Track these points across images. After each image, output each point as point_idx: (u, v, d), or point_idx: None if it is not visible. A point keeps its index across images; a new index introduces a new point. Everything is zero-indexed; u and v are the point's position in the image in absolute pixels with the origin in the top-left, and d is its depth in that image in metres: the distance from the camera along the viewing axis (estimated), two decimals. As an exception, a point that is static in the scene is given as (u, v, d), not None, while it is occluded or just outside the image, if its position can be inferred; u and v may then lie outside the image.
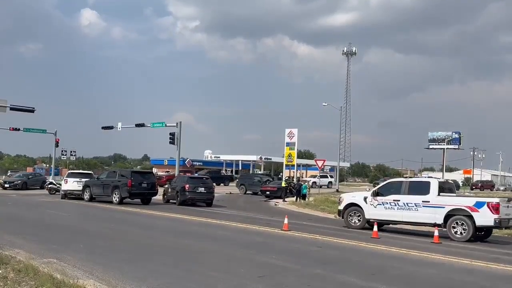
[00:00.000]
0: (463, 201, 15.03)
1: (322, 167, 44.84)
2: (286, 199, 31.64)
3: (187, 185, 25.35)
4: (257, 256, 10.44)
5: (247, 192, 40.39)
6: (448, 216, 14.77)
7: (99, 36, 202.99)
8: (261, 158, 79.78)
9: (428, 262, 10.57)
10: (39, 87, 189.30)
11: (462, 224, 14.52)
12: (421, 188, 15.67)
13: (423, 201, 15.24)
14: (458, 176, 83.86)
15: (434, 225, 14.81)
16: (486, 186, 73.06)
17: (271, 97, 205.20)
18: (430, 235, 14.75)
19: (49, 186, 32.11)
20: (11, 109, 33.20)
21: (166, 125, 38.77)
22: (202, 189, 25.69)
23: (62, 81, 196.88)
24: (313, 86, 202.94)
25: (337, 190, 45.65)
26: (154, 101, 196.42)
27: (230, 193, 40.12)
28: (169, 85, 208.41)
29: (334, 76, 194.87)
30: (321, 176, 50.90)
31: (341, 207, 17.45)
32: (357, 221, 16.81)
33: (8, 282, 6.79)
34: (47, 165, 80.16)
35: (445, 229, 14.84)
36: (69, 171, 33.37)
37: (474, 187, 67.95)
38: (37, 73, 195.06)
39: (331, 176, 55.17)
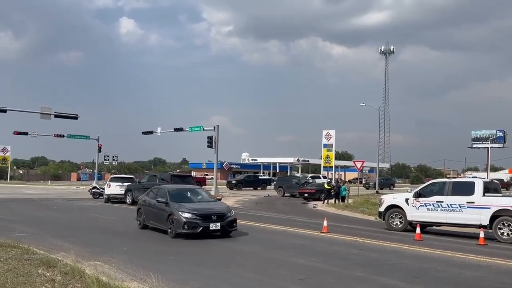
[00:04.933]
0: (510, 202, 14.50)
1: (361, 168, 44.29)
2: (324, 202, 31.37)
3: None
4: (296, 258, 10.41)
5: (285, 194, 40.32)
6: (494, 217, 14.31)
7: (137, 43, 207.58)
8: (298, 160, 79.49)
9: (473, 264, 10.26)
10: (81, 94, 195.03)
11: (509, 225, 14.02)
12: (466, 189, 15.22)
13: (467, 202, 14.82)
14: (503, 176, 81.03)
15: (480, 226, 14.38)
16: (501, 185, 69.95)
17: (306, 98, 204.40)
18: (475, 237, 14.31)
19: (93, 190, 32.96)
20: (55, 116, 34.23)
21: (203, 129, 39.19)
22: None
23: (102, 88, 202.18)
24: (348, 86, 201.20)
25: (377, 192, 44.94)
26: (191, 105, 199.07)
27: (268, 195, 40.17)
28: (205, 89, 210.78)
29: (369, 76, 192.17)
30: (313, 177, 50.14)
31: (381, 209, 17.17)
32: (398, 223, 16.50)
33: (55, 285, 7.01)
34: (91, 170, 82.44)
35: (491, 231, 14.37)
36: (111, 176, 34.17)
37: None
38: (79, 81, 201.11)
39: (324, 177, 54.17)
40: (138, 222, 15.41)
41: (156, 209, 14.19)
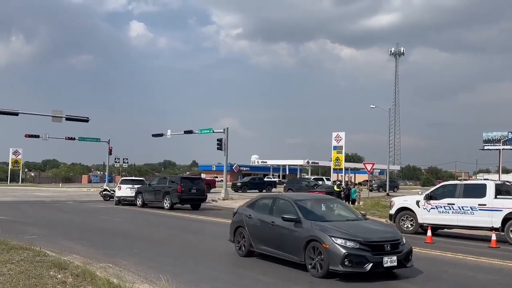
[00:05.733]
0: (522, 204, 14.35)
1: (371, 170, 44.10)
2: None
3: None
4: (307, 261, 10.36)
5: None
6: (506, 220, 14.16)
7: (146, 46, 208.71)
8: (308, 162, 79.35)
9: (485, 267, 10.17)
10: (91, 97, 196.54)
11: (522, 228, 13.88)
12: (477, 191, 15.08)
13: (479, 204, 14.68)
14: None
15: (491, 229, 14.23)
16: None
17: (315, 100, 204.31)
18: (487, 239, 14.19)
19: (104, 192, 33.14)
20: (67, 119, 34.47)
21: (213, 131, 39.26)
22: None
23: (113, 91, 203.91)
24: (357, 88, 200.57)
25: (388, 194, 44.70)
26: (201, 107, 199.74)
27: (278, 198, 40.08)
28: (214, 92, 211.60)
29: (378, 78, 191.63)
30: (316, 179, 50.12)
31: (392, 211, 17.07)
32: (409, 226, 16.39)
33: (67, 287, 7.06)
34: (101, 173, 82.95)
35: (503, 233, 14.23)
36: (122, 178, 34.34)
37: None
38: (89, 84, 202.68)
39: (328, 179, 54.03)
40: (238, 246, 10.83)
41: (277, 229, 9.59)
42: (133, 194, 27.45)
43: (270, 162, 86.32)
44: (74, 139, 50.18)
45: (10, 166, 76.88)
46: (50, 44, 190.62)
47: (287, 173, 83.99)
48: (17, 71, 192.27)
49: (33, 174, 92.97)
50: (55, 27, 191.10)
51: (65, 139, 50.44)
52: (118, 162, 58.16)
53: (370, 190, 51.67)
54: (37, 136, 48.86)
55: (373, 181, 64.76)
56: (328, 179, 56.09)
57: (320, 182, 46.76)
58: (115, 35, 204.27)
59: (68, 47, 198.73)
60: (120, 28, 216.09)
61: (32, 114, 35.16)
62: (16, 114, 32.37)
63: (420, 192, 19.49)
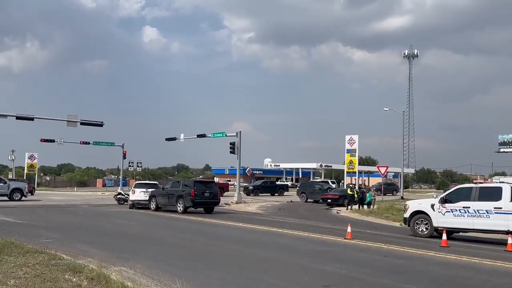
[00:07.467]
0: (539, 207, 14.16)
1: (385, 173, 43.83)
2: (348, 207, 31.15)
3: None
4: (320, 265, 10.35)
5: (308, 200, 40.16)
6: (523, 223, 13.99)
7: (159, 51, 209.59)
8: (321, 165, 79.11)
9: (501, 271, 10.05)
10: (105, 101, 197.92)
11: (539, 231, 13.69)
12: (493, 194, 14.94)
13: (495, 208, 14.53)
14: (532, 181, 79.03)
15: (507, 232, 14.07)
16: None
17: (328, 103, 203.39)
18: (503, 243, 14.01)
19: (118, 196, 33.37)
20: (81, 124, 34.81)
21: (226, 135, 39.38)
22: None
23: (126, 96, 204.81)
24: (370, 91, 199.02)
25: (402, 198, 44.38)
26: (213, 111, 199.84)
27: (291, 201, 40.07)
28: (227, 95, 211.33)
29: (391, 80, 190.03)
30: (321, 182, 50.10)
31: (407, 214, 16.96)
32: (424, 229, 16.26)
33: (82, 290, 7.12)
34: (115, 176, 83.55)
35: (520, 237, 14.05)
36: (136, 182, 34.56)
37: None
38: (103, 89, 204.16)
39: (333, 182, 53.71)
40: None
41: None
42: (147, 198, 27.62)
43: (283, 165, 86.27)
44: (89, 143, 50.70)
45: (25, 171, 77.71)
46: (64, 50, 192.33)
47: (300, 176, 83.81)
48: (32, 76, 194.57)
49: (48, 178, 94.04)
50: (69, 33, 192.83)
51: (80, 143, 50.97)
52: (132, 166, 58.62)
53: None
54: (52, 141, 49.39)
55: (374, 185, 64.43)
56: (334, 182, 55.81)
57: (334, 186, 46.59)
58: (128, 40, 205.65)
59: (83, 53, 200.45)
60: (133, 34, 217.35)
61: (48, 119, 35.56)
62: (32, 119, 32.79)
63: (434, 196, 19.35)
